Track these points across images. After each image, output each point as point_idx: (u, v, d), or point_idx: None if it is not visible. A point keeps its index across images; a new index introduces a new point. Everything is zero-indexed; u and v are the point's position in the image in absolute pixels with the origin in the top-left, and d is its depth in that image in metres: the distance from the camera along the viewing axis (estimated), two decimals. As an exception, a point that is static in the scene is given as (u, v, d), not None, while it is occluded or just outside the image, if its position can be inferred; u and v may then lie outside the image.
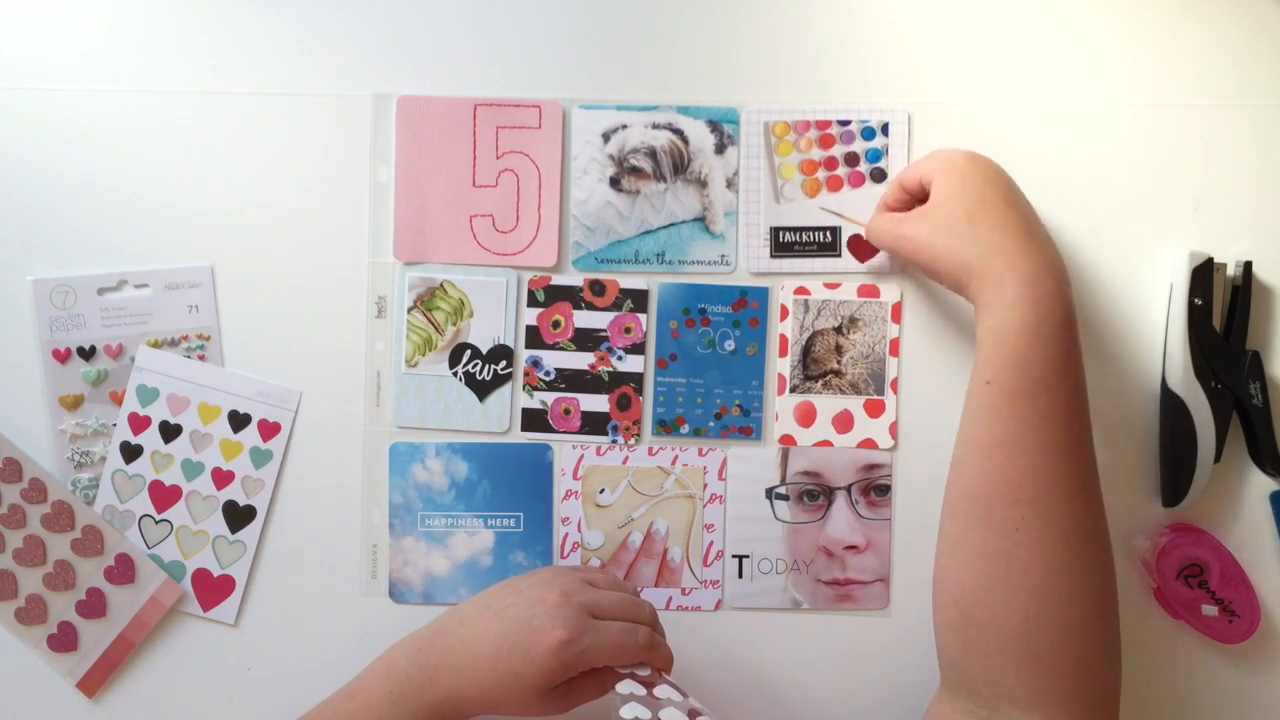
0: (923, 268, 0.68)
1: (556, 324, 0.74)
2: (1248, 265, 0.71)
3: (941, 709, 0.64)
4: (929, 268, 0.67)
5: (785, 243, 0.73)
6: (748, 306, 0.73)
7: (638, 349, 0.74)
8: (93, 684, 0.72)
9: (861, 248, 0.73)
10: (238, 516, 0.73)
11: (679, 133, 0.73)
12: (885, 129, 0.73)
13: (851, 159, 0.73)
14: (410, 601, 0.73)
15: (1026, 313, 0.61)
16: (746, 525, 0.74)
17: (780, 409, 0.74)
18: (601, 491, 0.74)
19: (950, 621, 0.63)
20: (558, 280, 0.74)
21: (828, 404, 0.74)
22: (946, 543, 0.64)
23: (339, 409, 0.73)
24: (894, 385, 0.73)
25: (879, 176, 0.73)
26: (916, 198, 0.69)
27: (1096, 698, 0.61)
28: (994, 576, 0.61)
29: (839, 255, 0.73)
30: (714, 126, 0.73)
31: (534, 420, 0.74)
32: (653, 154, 0.73)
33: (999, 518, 0.60)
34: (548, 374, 0.74)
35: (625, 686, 0.60)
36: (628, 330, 0.73)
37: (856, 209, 0.73)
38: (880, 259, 0.73)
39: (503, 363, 0.73)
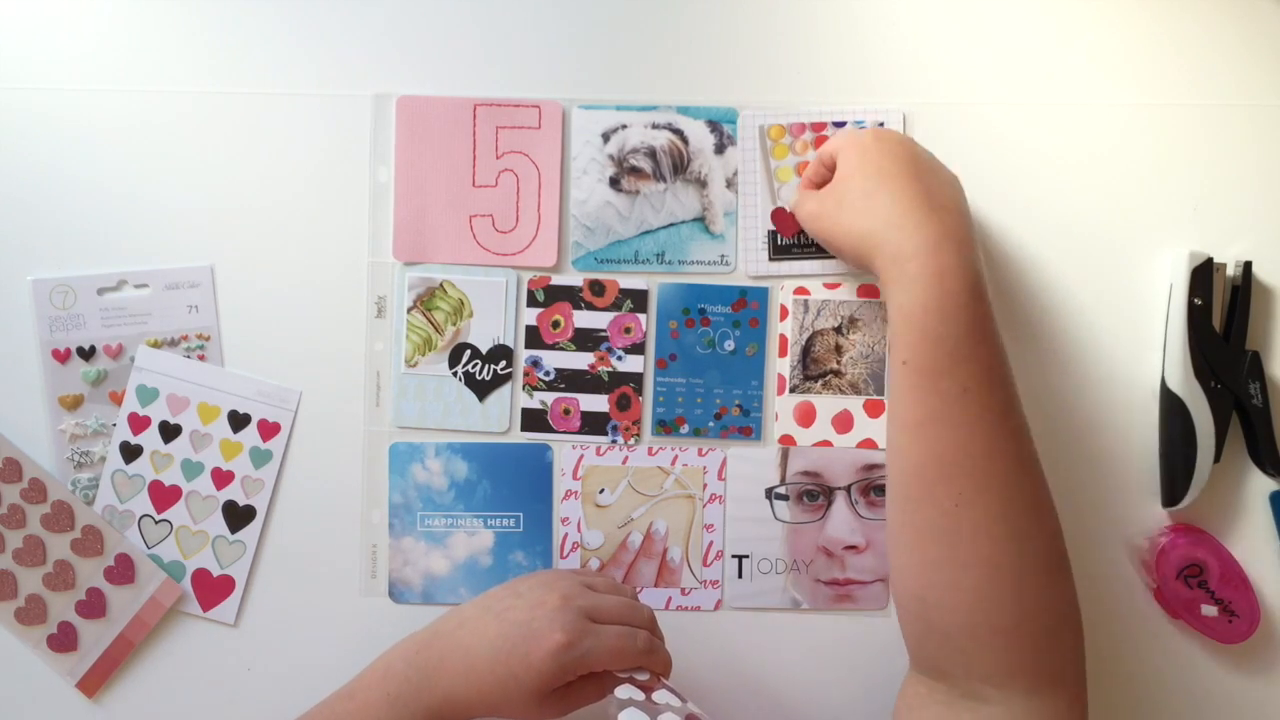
0: (828, 246, 0.68)
1: (556, 324, 0.74)
2: (1247, 265, 0.71)
3: (916, 689, 0.64)
4: (833, 245, 0.67)
5: (784, 244, 0.73)
6: (747, 306, 0.73)
7: (637, 349, 0.74)
8: (93, 684, 0.72)
9: (785, 221, 0.73)
10: (237, 516, 0.73)
11: (679, 133, 0.73)
12: (885, 129, 0.73)
13: (851, 159, 0.73)
14: (410, 601, 0.73)
15: (931, 286, 0.59)
16: (746, 525, 0.74)
17: (780, 409, 0.74)
18: (601, 491, 0.74)
19: (909, 607, 0.63)
20: (557, 280, 0.74)
21: (827, 404, 0.74)
22: (893, 530, 0.63)
23: (339, 409, 0.73)
24: (894, 385, 0.73)
25: (879, 176, 0.73)
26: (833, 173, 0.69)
27: (1061, 663, 0.61)
28: (941, 556, 0.60)
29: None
30: (714, 126, 0.73)
31: (534, 420, 0.74)
32: (652, 154, 0.73)
33: (938, 496, 0.60)
34: (547, 374, 0.74)
35: (624, 691, 0.60)
36: (627, 330, 0.73)
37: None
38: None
39: (502, 363, 0.73)
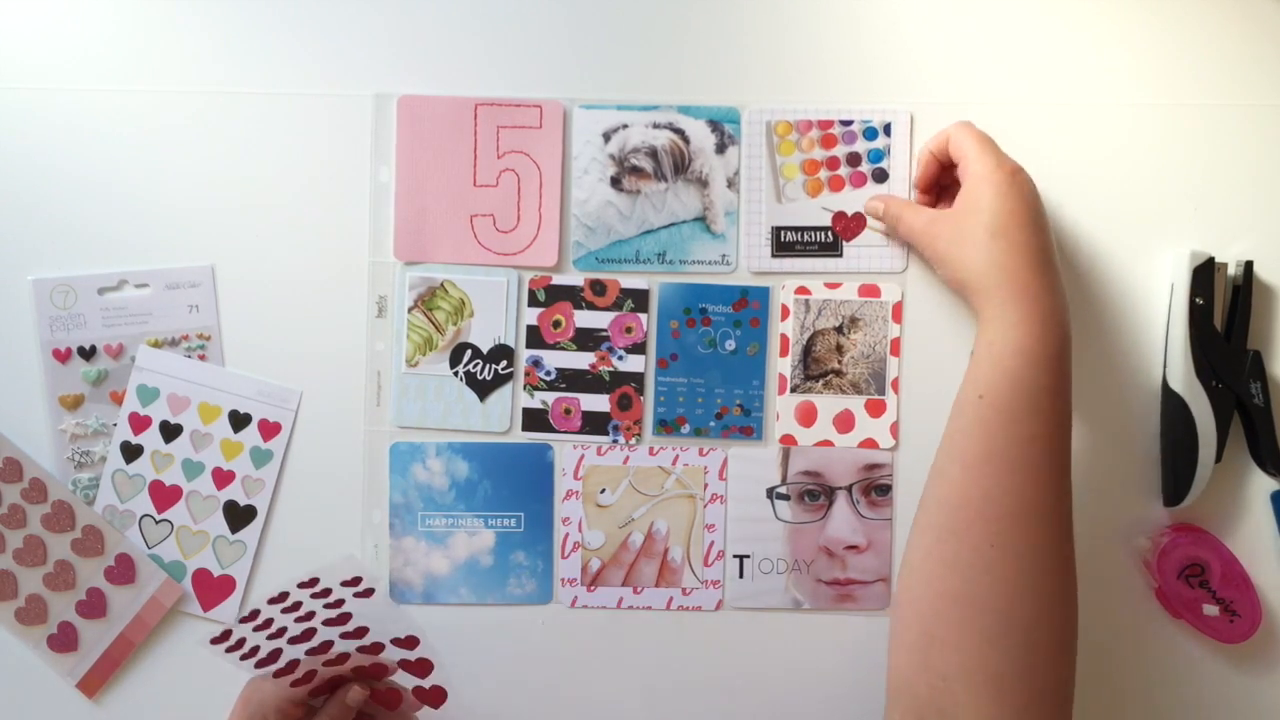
0: (935, 267, 0.69)
1: (557, 324, 0.74)
2: (1249, 265, 0.71)
3: None
4: (942, 269, 0.68)
5: (786, 242, 0.73)
6: (748, 306, 0.73)
7: (638, 349, 0.74)
8: (93, 684, 0.72)
9: (848, 227, 0.73)
10: (238, 516, 0.73)
11: (680, 132, 0.73)
12: (888, 129, 0.73)
13: (853, 159, 0.73)
14: (411, 601, 0.73)
15: (1029, 333, 0.61)
16: (747, 525, 0.74)
17: (781, 409, 0.74)
18: (602, 491, 0.74)
19: (909, 639, 0.62)
20: (558, 280, 0.73)
21: (828, 404, 0.73)
22: (915, 556, 0.63)
23: (339, 409, 0.73)
24: (895, 385, 0.73)
25: (880, 177, 0.73)
26: (944, 167, 0.70)
27: None
28: (960, 593, 0.60)
29: (840, 255, 0.73)
30: (715, 126, 0.73)
31: (534, 420, 0.74)
32: (653, 154, 0.73)
33: (975, 533, 0.60)
34: (548, 374, 0.74)
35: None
36: (628, 330, 0.73)
37: (858, 209, 0.73)
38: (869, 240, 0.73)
39: (503, 362, 0.73)
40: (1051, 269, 0.64)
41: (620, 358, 0.74)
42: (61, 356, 0.72)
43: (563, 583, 0.74)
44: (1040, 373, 0.61)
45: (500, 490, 0.74)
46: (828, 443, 0.73)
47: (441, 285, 0.73)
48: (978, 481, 0.61)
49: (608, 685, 0.73)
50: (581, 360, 0.74)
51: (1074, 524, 0.72)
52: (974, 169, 0.66)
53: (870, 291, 0.73)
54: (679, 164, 0.73)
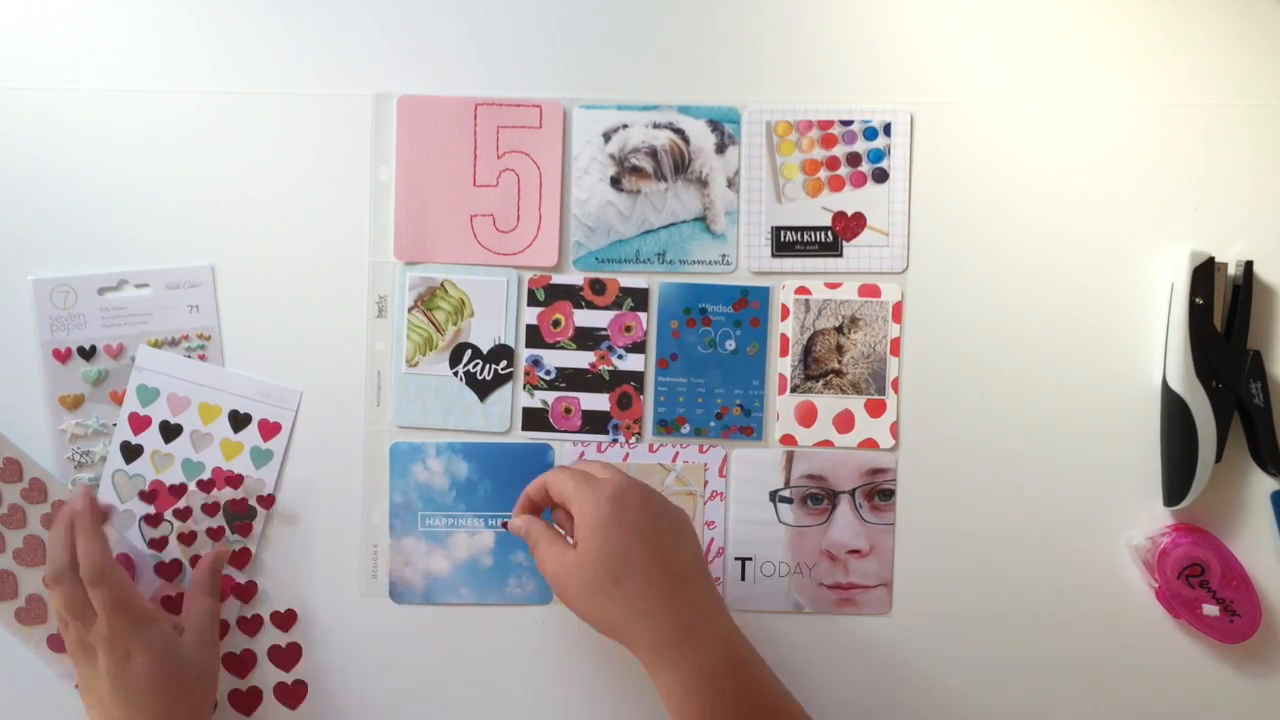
0: (579, 615, 0.65)
1: (557, 323, 0.74)
2: (1249, 265, 0.71)
3: None
4: (583, 619, 0.64)
5: (786, 242, 0.73)
6: (748, 306, 0.73)
7: (638, 348, 0.74)
8: (92, 684, 0.72)
9: (848, 227, 0.73)
10: (238, 516, 0.73)
11: (680, 132, 0.73)
12: (888, 129, 0.73)
13: (854, 159, 0.73)
14: (411, 602, 0.73)
15: (693, 671, 0.60)
16: (750, 528, 0.73)
17: (781, 409, 0.74)
18: (602, 491, 0.73)
19: None
20: (558, 279, 0.73)
21: (828, 404, 0.73)
22: None
23: (339, 409, 0.73)
24: (895, 385, 0.73)
25: (881, 177, 0.73)
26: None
27: None
28: None
29: (840, 255, 0.73)
30: (715, 126, 0.73)
31: (535, 419, 0.74)
32: (653, 153, 0.73)
33: None
34: (548, 373, 0.74)
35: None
36: (628, 329, 0.73)
37: (858, 209, 0.73)
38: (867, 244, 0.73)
39: (503, 362, 0.73)
40: (687, 588, 0.62)
41: (620, 357, 0.74)
42: (61, 356, 0.72)
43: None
44: (722, 694, 0.60)
45: (500, 490, 0.73)
46: (827, 443, 0.73)
47: (441, 285, 0.73)
48: None
49: (607, 685, 0.73)
50: (581, 360, 0.74)
51: (1074, 524, 0.73)
52: (577, 511, 0.63)
53: (870, 291, 0.73)
54: (679, 164, 0.73)
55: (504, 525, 0.72)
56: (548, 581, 0.65)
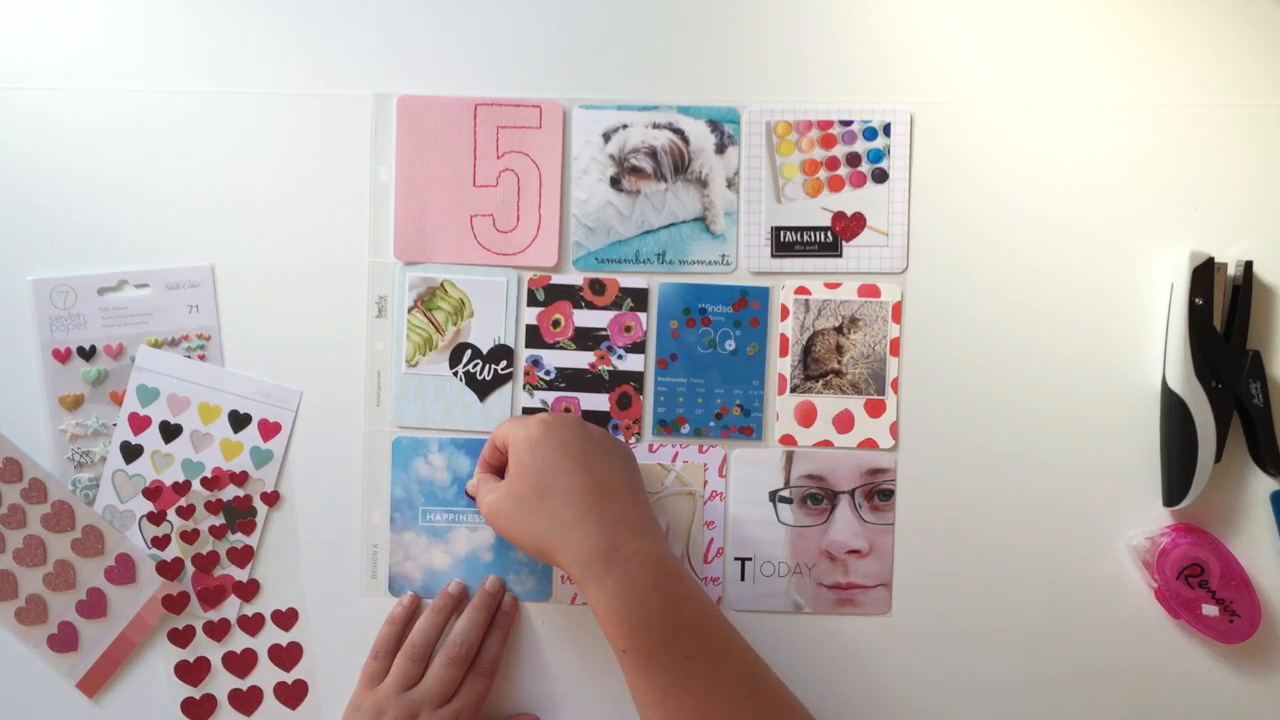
0: (513, 543, 0.67)
1: (556, 323, 0.74)
2: (1248, 265, 0.71)
3: None
4: (517, 544, 0.65)
5: (786, 242, 0.73)
6: (748, 306, 0.73)
7: (638, 348, 0.74)
8: (93, 684, 0.72)
9: (848, 227, 0.73)
10: (238, 516, 0.73)
11: (679, 132, 0.73)
12: (887, 129, 0.73)
13: (853, 159, 0.73)
14: (411, 601, 0.73)
15: (619, 579, 0.61)
16: (749, 528, 0.74)
17: (781, 409, 0.74)
18: (602, 491, 0.73)
19: None
20: (558, 279, 0.74)
21: (828, 404, 0.73)
22: None
23: (339, 409, 0.73)
24: (894, 385, 0.73)
25: (881, 177, 0.73)
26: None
27: None
28: None
29: (840, 255, 0.73)
30: (714, 126, 0.73)
31: (534, 420, 0.74)
32: (653, 154, 0.73)
33: None
34: (548, 373, 0.74)
35: None
36: (628, 329, 0.73)
37: (858, 209, 0.73)
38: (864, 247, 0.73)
39: (503, 362, 0.73)
40: (615, 502, 0.63)
41: (620, 357, 0.74)
42: (61, 357, 0.72)
43: (562, 579, 0.74)
44: (650, 606, 0.60)
45: (500, 490, 0.73)
46: (827, 443, 0.73)
47: (441, 285, 0.73)
48: (672, 716, 0.60)
49: (606, 684, 0.73)
50: (581, 360, 0.74)
51: (1074, 524, 0.73)
52: (506, 431, 0.66)
53: (870, 291, 0.73)
54: (679, 164, 0.73)
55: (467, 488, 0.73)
56: (486, 521, 0.67)
